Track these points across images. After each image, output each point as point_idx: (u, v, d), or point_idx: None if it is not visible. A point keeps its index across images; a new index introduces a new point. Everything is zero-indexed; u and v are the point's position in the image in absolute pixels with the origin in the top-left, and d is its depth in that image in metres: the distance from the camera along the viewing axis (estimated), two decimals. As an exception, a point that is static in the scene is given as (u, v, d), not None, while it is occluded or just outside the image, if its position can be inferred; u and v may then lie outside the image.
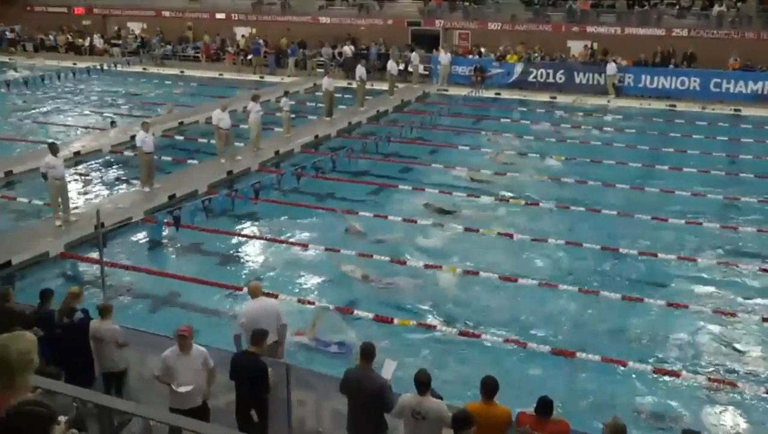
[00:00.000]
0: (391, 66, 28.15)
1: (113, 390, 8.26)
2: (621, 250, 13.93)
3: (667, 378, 9.87)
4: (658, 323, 11.39)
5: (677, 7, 31.31)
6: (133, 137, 21.66)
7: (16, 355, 3.68)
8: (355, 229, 14.73)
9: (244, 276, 12.97)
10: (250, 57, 34.51)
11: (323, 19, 35.88)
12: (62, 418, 3.62)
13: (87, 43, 38.66)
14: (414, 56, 30.92)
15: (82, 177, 18.83)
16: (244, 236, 14.88)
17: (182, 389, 7.37)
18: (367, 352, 6.96)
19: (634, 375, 9.93)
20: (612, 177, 18.27)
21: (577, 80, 29.39)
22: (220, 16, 37.92)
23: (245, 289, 9.80)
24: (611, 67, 28.44)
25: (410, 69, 31.14)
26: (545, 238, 14.52)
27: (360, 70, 26.01)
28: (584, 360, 10.20)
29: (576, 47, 31.27)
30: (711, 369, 10.14)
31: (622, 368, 10.03)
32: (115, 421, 6.06)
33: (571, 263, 13.58)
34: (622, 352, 10.46)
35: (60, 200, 14.53)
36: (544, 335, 10.99)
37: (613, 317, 11.55)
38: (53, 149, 14.55)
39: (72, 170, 18.45)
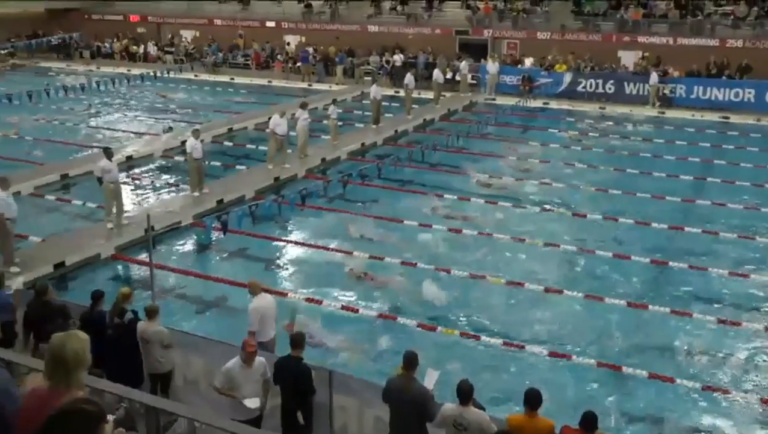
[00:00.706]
0: (437, 75, 28.12)
1: (159, 390, 8.40)
2: (671, 264, 13.68)
3: (716, 395, 9.65)
4: (709, 339, 11.14)
5: (732, 17, 30.65)
6: (183, 143, 22.17)
7: (72, 353, 3.79)
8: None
9: (289, 282, 13.11)
10: (298, 65, 34.86)
11: (372, 28, 36.06)
12: (110, 417, 3.69)
13: (141, 51, 39.54)
14: (463, 65, 30.86)
15: (134, 181, 19.24)
16: (289, 242, 15.02)
17: (251, 404, 7.37)
18: (410, 361, 6.94)
19: (682, 392, 9.74)
20: (662, 189, 17.95)
21: (627, 90, 28.94)
22: (270, 24, 38.41)
23: (284, 290, 9.87)
24: (654, 77, 28.02)
25: (458, 78, 31.15)
26: (592, 250, 14.34)
27: (408, 78, 26.08)
28: (631, 375, 10.04)
29: (627, 57, 30.84)
30: (763, 389, 9.87)
31: (670, 384, 9.84)
32: (162, 421, 6.18)
33: (619, 276, 13.38)
34: (670, 368, 10.27)
35: (114, 203, 14.84)
36: (589, 348, 10.84)
37: (662, 333, 11.34)
38: (108, 153, 14.90)
39: (124, 174, 18.86)
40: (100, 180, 14.71)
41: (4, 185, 12.48)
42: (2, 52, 38.81)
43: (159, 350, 8.36)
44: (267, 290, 12.31)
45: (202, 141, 17.72)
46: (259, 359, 7.55)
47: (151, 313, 8.48)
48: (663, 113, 27.43)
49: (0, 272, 9.30)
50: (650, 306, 11.96)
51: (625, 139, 23.91)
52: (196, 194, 17.02)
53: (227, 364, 7.47)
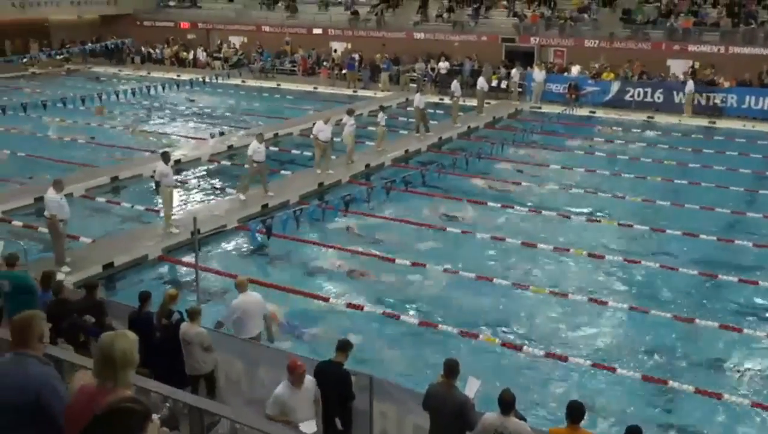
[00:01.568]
0: (482, 83, 27.91)
1: (202, 392, 8.47)
2: (719, 277, 13.38)
3: (765, 413, 9.40)
4: (758, 355, 10.88)
5: (787, 25, 29.93)
6: (230, 147, 22.56)
7: (120, 353, 3.87)
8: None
9: (331, 287, 13.18)
10: (344, 71, 35.09)
11: (417, 35, 36.10)
12: (155, 416, 3.76)
13: (191, 56, 40.22)
14: (514, 72, 30.77)
15: (181, 185, 19.55)
16: (332, 247, 15.08)
17: (307, 428, 7.11)
18: (451, 368, 6.92)
19: (729, 408, 9.51)
20: (711, 201, 17.58)
21: (676, 100, 28.39)
22: (317, 31, 38.71)
23: (239, 282, 9.96)
24: (690, 85, 27.53)
25: (503, 86, 31.06)
26: (638, 261, 14.11)
27: (455, 86, 26.02)
28: (677, 390, 9.84)
29: (676, 66, 30.30)
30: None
31: (717, 400, 9.62)
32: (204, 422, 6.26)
33: (666, 288, 13.14)
34: (717, 383, 10.05)
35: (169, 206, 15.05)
36: (634, 361, 10.67)
37: (710, 347, 11.11)
38: (165, 157, 15.10)
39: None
40: (157, 184, 14.88)
41: (58, 188, 12.80)
42: (58, 57, 39.86)
43: (200, 352, 8.41)
44: (311, 295, 12.56)
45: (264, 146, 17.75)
46: (309, 378, 7.23)
47: (193, 315, 8.54)
48: (713, 123, 26.88)
49: (49, 272, 9.52)
50: (698, 320, 11.72)
51: (674, 149, 23.48)
52: (242, 197, 17.22)
53: (276, 390, 7.20)
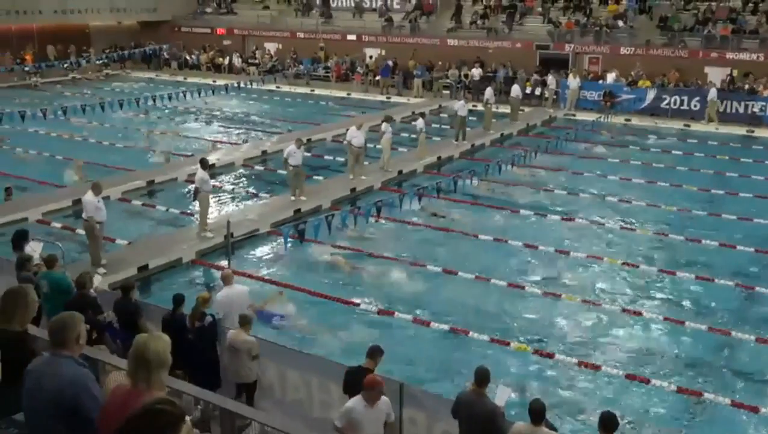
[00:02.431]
0: (516, 90, 27.78)
1: (243, 399, 8.50)
2: (757, 289, 13.14)
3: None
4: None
5: (830, 32, 29.31)
6: (264, 152, 22.76)
7: (154, 354, 3.92)
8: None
9: (363, 292, 13.20)
10: (378, 78, 35.19)
11: (451, 42, 36.06)
12: (187, 418, 3.79)
13: (226, 62, 40.68)
14: (550, 80, 30.60)
15: (215, 189, 19.71)
16: (363, 252, 15.11)
17: None
18: (482, 377, 6.89)
19: (767, 422, 9.32)
20: (749, 211, 17.27)
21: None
22: (351, 37, 38.87)
23: (221, 275, 10.31)
24: (712, 92, 27.12)
25: (537, 93, 30.91)
26: (673, 271, 13.92)
27: (489, 93, 25.93)
28: (712, 402, 9.68)
29: (714, 74, 29.83)
30: None
31: (754, 413, 9.44)
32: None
33: (701, 299, 12.94)
34: (754, 397, 9.85)
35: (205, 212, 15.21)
36: (668, 372, 10.52)
37: (746, 360, 10.92)
38: (204, 163, 15.22)
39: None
40: (197, 190, 15.00)
41: (96, 190, 13.02)
42: (98, 62, 40.60)
43: (246, 360, 8.41)
44: (342, 301, 12.60)
45: (302, 150, 17.86)
46: (385, 400, 6.92)
47: (244, 322, 8.54)
48: (752, 131, 26.42)
49: (85, 274, 9.65)
50: (734, 332, 11.52)
51: (711, 157, 23.12)
52: (293, 198, 17.44)
53: (349, 403, 6.99)
